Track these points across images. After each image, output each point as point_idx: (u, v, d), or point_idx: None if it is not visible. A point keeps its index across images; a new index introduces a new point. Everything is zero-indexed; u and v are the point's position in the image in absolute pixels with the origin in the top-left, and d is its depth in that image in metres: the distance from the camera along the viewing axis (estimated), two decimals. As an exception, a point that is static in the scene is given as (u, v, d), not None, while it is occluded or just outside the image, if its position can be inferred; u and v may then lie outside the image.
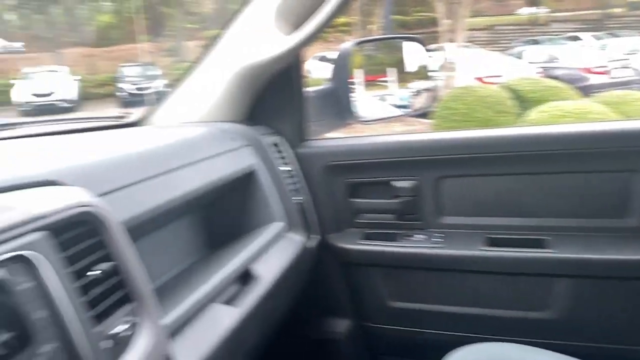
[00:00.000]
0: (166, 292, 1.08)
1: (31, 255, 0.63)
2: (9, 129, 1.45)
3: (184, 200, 1.12)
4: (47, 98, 16.66)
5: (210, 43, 1.56)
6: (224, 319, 1.07)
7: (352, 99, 1.65)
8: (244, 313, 1.13)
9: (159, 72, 17.28)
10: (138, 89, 16.97)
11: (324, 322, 1.78)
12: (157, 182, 1.05)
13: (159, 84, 16.27)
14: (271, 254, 1.36)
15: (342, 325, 1.76)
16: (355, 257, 1.67)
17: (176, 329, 0.96)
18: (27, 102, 16.49)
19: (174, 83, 1.63)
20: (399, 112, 1.88)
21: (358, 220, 1.70)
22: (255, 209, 1.44)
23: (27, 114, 15.91)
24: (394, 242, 1.62)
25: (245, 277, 1.23)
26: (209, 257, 1.30)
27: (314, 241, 1.60)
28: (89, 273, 0.72)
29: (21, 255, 0.62)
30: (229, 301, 1.14)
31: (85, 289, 0.70)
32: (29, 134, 1.44)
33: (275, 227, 1.43)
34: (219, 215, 1.40)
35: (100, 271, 0.74)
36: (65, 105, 16.65)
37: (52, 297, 0.63)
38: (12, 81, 17.58)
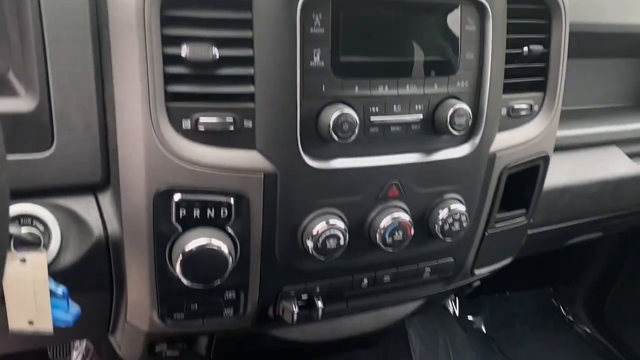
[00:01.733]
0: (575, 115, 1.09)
1: (485, 5, 0.71)
2: None
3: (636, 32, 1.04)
4: None
5: None
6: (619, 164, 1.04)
7: None
8: None
9: None
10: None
11: None
12: None
13: None
14: None
15: None
16: None
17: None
18: None
19: None
20: None
21: None
22: None
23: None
24: None
25: None
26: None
27: None
28: (524, 48, 0.79)
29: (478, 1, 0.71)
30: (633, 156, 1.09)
31: (510, 57, 0.78)
32: None
33: None
34: None
35: (528, 49, 0.79)
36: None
37: (486, 46, 0.72)
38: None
